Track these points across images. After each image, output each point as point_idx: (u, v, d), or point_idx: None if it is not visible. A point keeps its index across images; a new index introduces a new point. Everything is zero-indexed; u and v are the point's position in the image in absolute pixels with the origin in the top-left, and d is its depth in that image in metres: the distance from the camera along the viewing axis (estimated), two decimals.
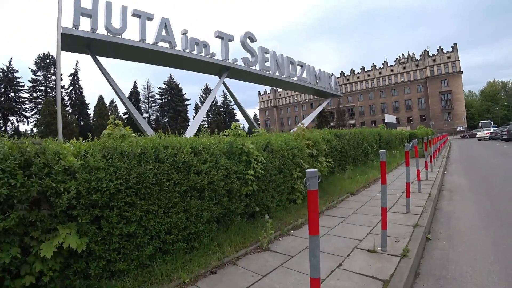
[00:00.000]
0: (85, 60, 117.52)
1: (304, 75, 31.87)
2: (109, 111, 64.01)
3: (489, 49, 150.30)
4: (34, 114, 57.55)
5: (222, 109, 79.23)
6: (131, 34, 19.49)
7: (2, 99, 54.99)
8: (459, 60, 68.23)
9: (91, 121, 60.84)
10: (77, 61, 61.52)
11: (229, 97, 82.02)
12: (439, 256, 3.70)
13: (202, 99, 76.61)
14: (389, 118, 33.19)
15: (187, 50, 21.34)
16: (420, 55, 74.69)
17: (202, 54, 22.06)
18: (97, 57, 19.60)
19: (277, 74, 27.63)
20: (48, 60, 58.63)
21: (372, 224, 4.68)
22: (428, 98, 71.16)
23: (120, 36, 18.52)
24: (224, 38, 23.44)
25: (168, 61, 21.89)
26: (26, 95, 57.91)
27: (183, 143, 4.15)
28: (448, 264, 3.44)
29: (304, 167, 6.34)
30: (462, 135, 56.00)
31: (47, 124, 48.30)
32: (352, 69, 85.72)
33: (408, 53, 77.33)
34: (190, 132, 20.18)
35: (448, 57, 69.15)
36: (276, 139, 6.05)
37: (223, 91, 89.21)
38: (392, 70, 78.68)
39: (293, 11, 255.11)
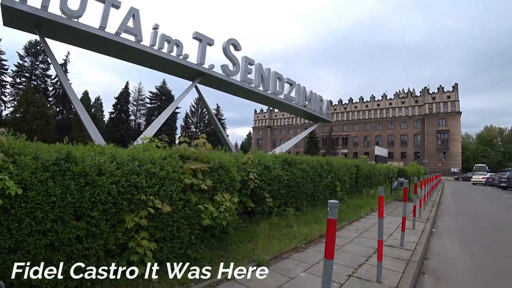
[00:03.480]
0: (77, 52, 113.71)
1: (293, 94, 29.24)
2: (93, 108, 60.93)
3: (489, 96, 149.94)
4: (13, 99, 54.40)
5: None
6: (94, 22, 16.98)
7: None
8: (458, 101, 66.73)
9: (71, 116, 57.61)
10: (68, 52, 58.99)
11: (222, 110, 79.84)
12: None
13: (193, 109, 74.10)
14: (380, 150, 30.47)
15: (156, 47, 18.71)
16: (420, 92, 73.57)
17: (173, 53, 19.41)
18: (46, 39, 16.97)
19: (261, 88, 24.97)
20: (38, 47, 56.08)
21: None
22: (425, 135, 69.14)
23: (76, 20, 15.92)
24: (203, 40, 20.87)
25: (133, 56, 19.17)
26: (9, 79, 54.94)
27: None
28: None
29: (163, 209, 3.40)
30: (456, 177, 53.39)
31: (22, 112, 45.22)
32: (350, 97, 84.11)
33: (409, 88, 76.18)
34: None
35: (448, 97, 67.77)
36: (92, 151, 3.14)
37: (217, 104, 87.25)
38: (390, 104, 77.15)
39: (302, 36, 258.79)
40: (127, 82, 68.70)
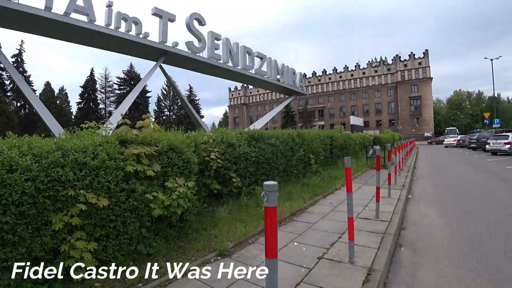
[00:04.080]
0: (34, 40, 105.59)
1: (264, 68, 28.45)
2: (58, 99, 57.47)
3: (457, 61, 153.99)
4: None
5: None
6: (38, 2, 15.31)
7: None
8: (429, 67, 68.13)
9: (35, 111, 54.26)
10: (22, 41, 54.40)
11: (195, 91, 77.77)
12: None
13: (165, 92, 71.56)
14: (356, 120, 30.66)
15: (112, 27, 17.28)
16: (392, 60, 74.29)
17: (132, 33, 18.05)
18: None
19: (230, 64, 24.02)
20: None
21: None
22: (398, 102, 70.71)
23: (16, 1, 14.29)
24: (163, 16, 19.47)
25: (87, 38, 17.60)
26: None
27: None
28: None
29: (98, 204, 2.89)
30: (429, 141, 55.38)
31: None
32: (324, 69, 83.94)
33: (381, 57, 76.77)
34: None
35: (419, 63, 68.99)
36: None
37: (189, 85, 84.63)
38: (364, 73, 77.75)
39: (271, 9, 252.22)
40: (92, 68, 64.65)
